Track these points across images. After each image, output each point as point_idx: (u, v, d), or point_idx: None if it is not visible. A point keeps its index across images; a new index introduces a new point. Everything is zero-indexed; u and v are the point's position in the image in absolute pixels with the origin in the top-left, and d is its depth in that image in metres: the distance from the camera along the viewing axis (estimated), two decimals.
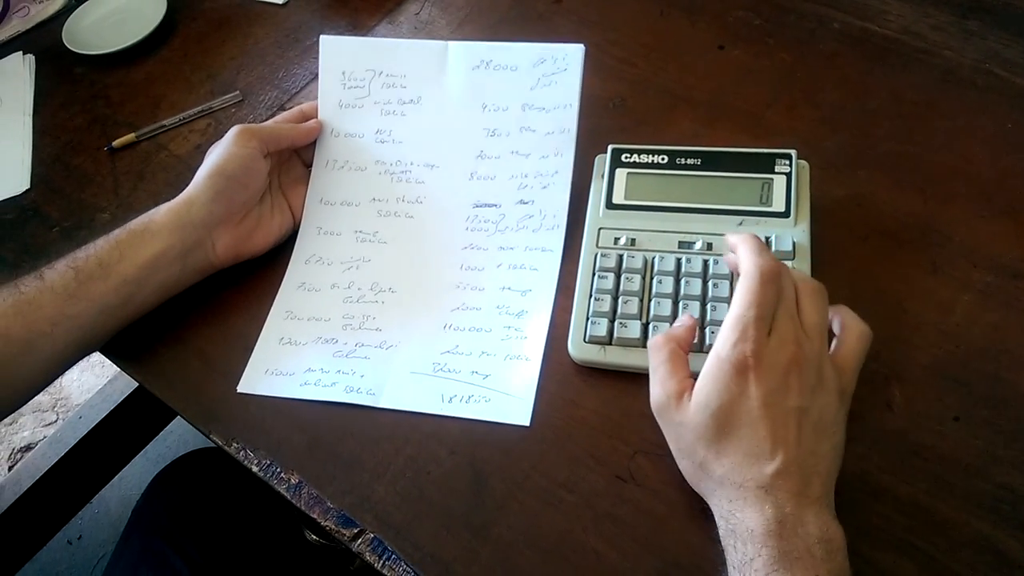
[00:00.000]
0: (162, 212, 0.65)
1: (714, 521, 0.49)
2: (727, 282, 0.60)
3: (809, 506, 0.45)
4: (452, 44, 0.72)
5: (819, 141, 0.71)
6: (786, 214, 0.63)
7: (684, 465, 0.51)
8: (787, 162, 0.64)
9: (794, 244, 0.61)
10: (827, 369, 0.48)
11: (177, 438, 1.65)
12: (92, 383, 1.79)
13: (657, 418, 0.52)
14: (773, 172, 0.64)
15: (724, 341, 0.48)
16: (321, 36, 0.74)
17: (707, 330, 0.58)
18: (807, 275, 0.52)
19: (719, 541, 0.47)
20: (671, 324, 0.59)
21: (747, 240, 0.52)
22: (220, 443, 0.61)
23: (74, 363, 0.64)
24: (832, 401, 0.48)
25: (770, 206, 0.63)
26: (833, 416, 0.48)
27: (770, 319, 0.48)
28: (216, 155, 0.67)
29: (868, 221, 0.65)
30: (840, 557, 0.44)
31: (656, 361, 0.52)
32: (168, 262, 0.64)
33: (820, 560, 0.43)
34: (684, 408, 0.49)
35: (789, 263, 0.60)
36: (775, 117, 0.74)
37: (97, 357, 0.68)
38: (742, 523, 0.45)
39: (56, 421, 1.79)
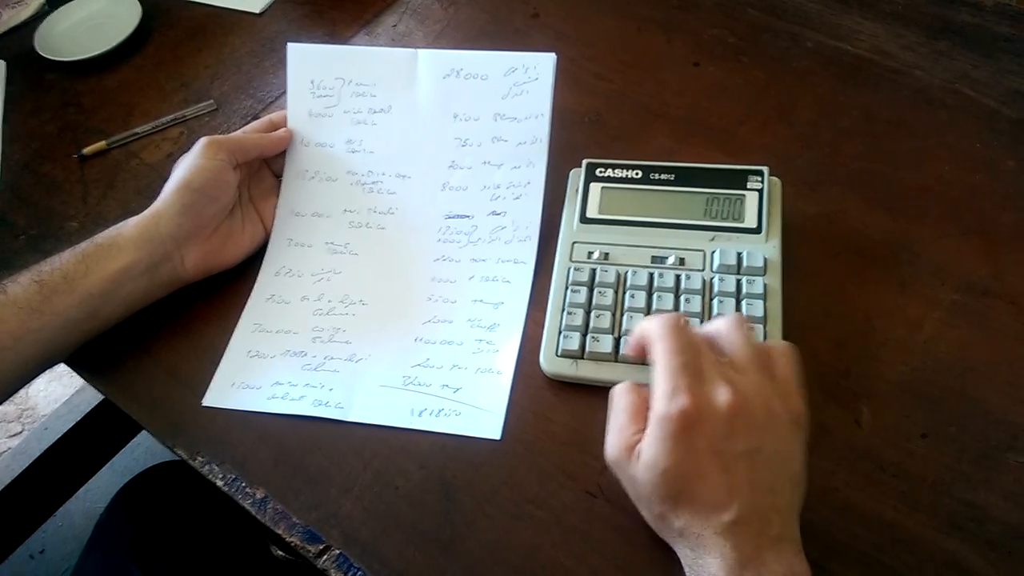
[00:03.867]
0: (130, 226, 0.64)
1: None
2: (699, 297, 0.60)
3: (770, 547, 0.44)
4: (422, 52, 0.72)
5: (791, 158, 0.71)
6: (758, 230, 0.63)
7: (645, 514, 0.50)
8: (759, 179, 0.64)
9: (765, 260, 0.61)
10: (772, 399, 0.47)
11: (144, 450, 1.62)
12: (60, 393, 1.76)
13: (611, 468, 0.50)
14: (746, 188, 0.64)
15: (660, 397, 0.46)
16: (288, 44, 0.73)
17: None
18: (718, 318, 0.51)
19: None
20: None
21: (640, 323, 0.51)
22: (184, 456, 0.60)
23: (37, 376, 0.63)
24: (785, 431, 0.47)
25: (742, 222, 0.63)
26: (788, 448, 0.47)
27: (696, 365, 0.47)
28: (184, 168, 0.66)
29: (839, 238, 0.66)
30: None
31: (616, 407, 0.50)
32: (135, 276, 0.63)
33: None
34: (635, 463, 0.47)
35: (760, 279, 0.60)
36: (748, 134, 0.74)
37: (65, 368, 0.67)
38: (704, 569, 0.45)
39: (21, 432, 1.76)
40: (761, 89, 0.78)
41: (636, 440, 0.47)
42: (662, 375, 0.47)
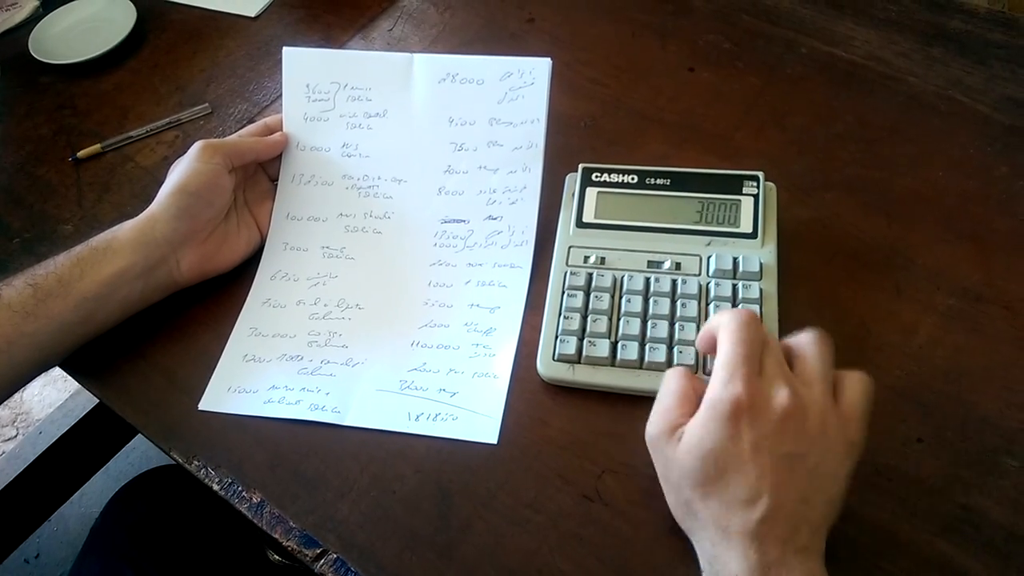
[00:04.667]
0: (125, 229, 0.64)
1: (680, 540, 0.48)
2: (695, 302, 0.60)
3: (795, 554, 0.43)
4: (418, 56, 0.72)
5: (786, 164, 0.71)
6: (753, 235, 0.63)
7: (671, 499, 0.49)
8: (755, 184, 0.65)
9: (761, 265, 0.61)
10: (830, 418, 0.46)
11: (140, 455, 1.62)
12: (54, 398, 1.76)
13: (649, 446, 0.49)
14: (741, 193, 0.65)
15: (716, 382, 0.46)
16: (284, 48, 0.73)
17: (675, 349, 0.59)
18: (803, 333, 0.50)
19: (684, 563, 0.47)
20: (639, 343, 0.59)
21: (714, 315, 0.52)
22: (180, 460, 0.60)
23: (31, 379, 0.63)
24: (835, 452, 0.46)
25: (738, 227, 0.64)
26: (834, 468, 0.46)
27: (758, 359, 0.46)
28: (179, 172, 0.66)
29: (834, 243, 0.66)
30: None
31: (665, 389, 0.50)
32: (130, 280, 0.63)
33: None
34: (675, 445, 0.47)
35: (756, 283, 0.60)
36: (743, 139, 0.74)
37: (60, 372, 0.66)
38: (725, 567, 0.44)
39: (16, 436, 1.75)
40: (756, 95, 0.78)
41: (680, 423, 0.47)
42: (723, 362, 0.46)
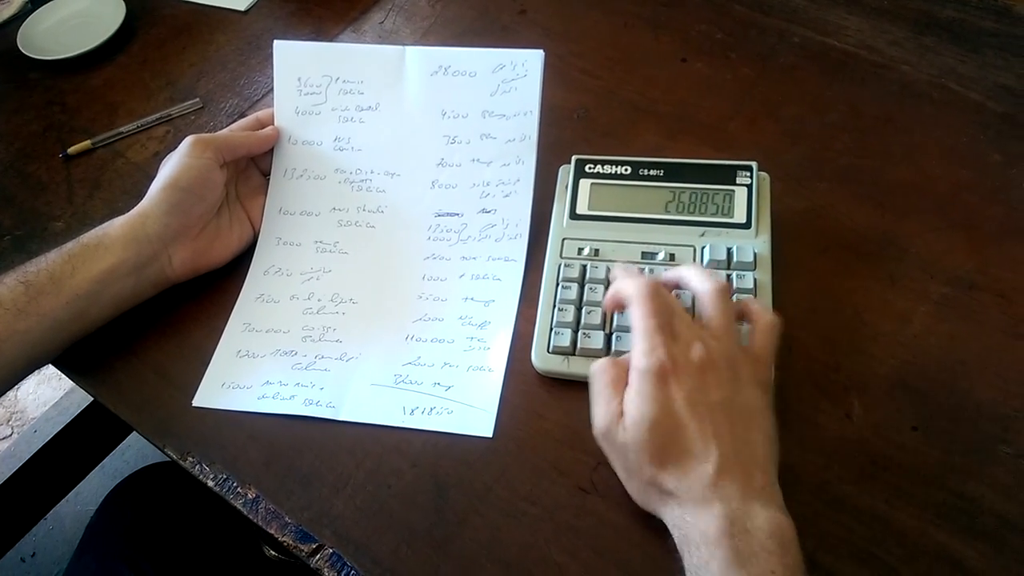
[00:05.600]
0: (116, 225, 0.63)
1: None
2: (689, 292, 0.60)
3: (755, 499, 0.46)
4: (409, 49, 0.71)
5: (779, 154, 0.71)
6: (747, 225, 0.63)
7: (633, 487, 0.51)
8: (748, 174, 0.64)
9: (755, 255, 0.61)
10: (741, 363, 0.50)
11: (135, 452, 1.62)
12: (49, 396, 1.75)
13: (601, 443, 0.52)
14: (735, 184, 0.64)
15: (638, 355, 0.49)
16: (275, 41, 0.73)
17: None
18: (701, 275, 0.54)
19: (679, 553, 0.47)
20: None
21: (619, 270, 0.56)
22: (175, 457, 0.60)
23: (24, 377, 0.62)
24: (752, 391, 0.50)
25: (731, 217, 0.63)
26: (756, 405, 0.50)
27: (670, 326, 0.50)
28: (170, 167, 0.66)
29: (827, 233, 0.66)
30: (793, 549, 0.45)
31: (598, 384, 0.52)
32: (121, 276, 0.62)
33: (774, 554, 0.44)
34: (621, 428, 0.49)
35: (750, 274, 0.60)
36: (736, 130, 0.74)
37: (54, 370, 0.66)
38: (694, 527, 0.46)
39: (11, 435, 1.75)
40: (748, 85, 0.78)
41: (620, 409, 0.50)
42: (640, 336, 0.50)
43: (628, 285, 0.52)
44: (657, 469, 0.48)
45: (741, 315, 0.55)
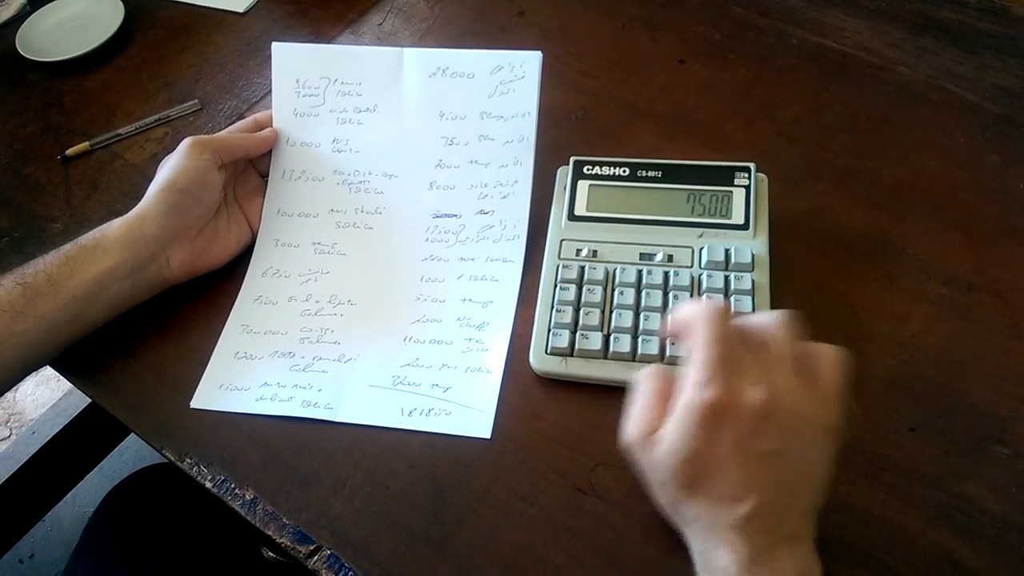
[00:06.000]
0: (114, 227, 0.63)
1: (673, 532, 0.48)
2: (687, 294, 0.60)
3: (783, 544, 0.43)
4: (407, 51, 0.71)
5: (777, 155, 0.71)
6: (745, 226, 0.63)
7: (658, 498, 0.49)
8: (746, 175, 0.65)
9: (753, 256, 0.61)
10: (806, 405, 0.45)
11: (134, 453, 1.61)
12: (47, 397, 1.75)
13: (627, 449, 0.48)
14: (733, 185, 0.65)
15: (692, 384, 0.45)
16: (273, 43, 0.73)
17: (667, 341, 0.59)
18: (768, 313, 0.49)
19: (677, 554, 0.47)
20: (632, 336, 0.59)
21: (682, 303, 0.52)
22: (172, 458, 0.60)
23: (21, 379, 0.62)
24: (813, 439, 0.45)
25: (729, 218, 0.63)
26: (815, 455, 0.45)
27: (734, 358, 0.45)
28: (168, 168, 0.66)
29: (825, 234, 0.66)
30: None
31: (642, 391, 0.48)
32: (119, 278, 0.62)
33: None
34: (654, 449, 0.46)
35: (748, 275, 0.60)
36: (734, 131, 0.74)
37: (53, 371, 0.66)
38: (716, 560, 0.44)
39: (9, 436, 1.75)
40: (746, 86, 0.78)
41: (656, 426, 0.46)
42: (699, 362, 0.45)
43: (694, 308, 0.47)
44: (683, 497, 0.45)
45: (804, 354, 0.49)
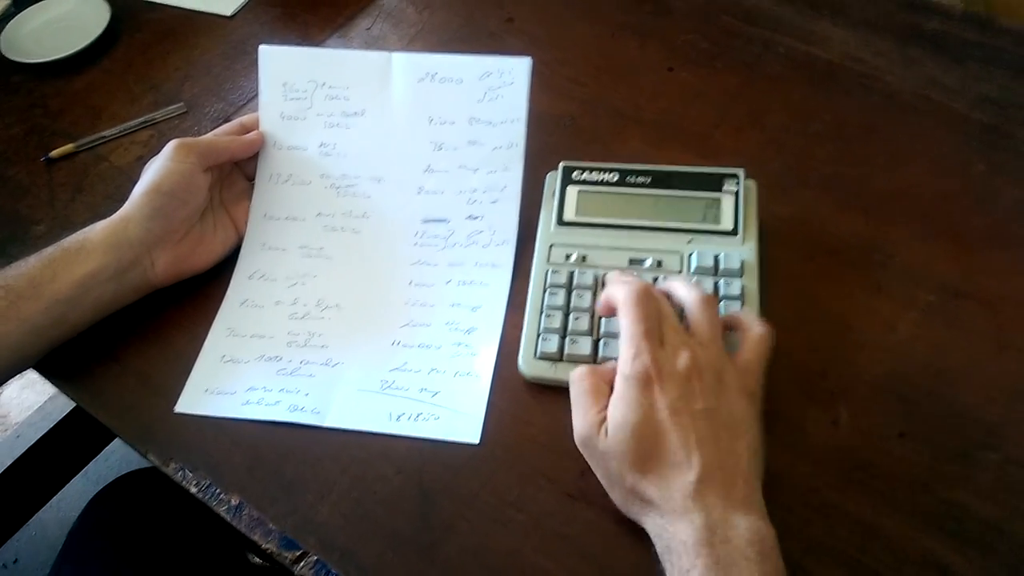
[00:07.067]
0: (97, 230, 0.63)
1: None
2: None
3: (737, 508, 0.46)
4: (396, 55, 0.71)
5: (765, 162, 0.71)
6: (734, 232, 0.63)
7: (616, 495, 0.51)
8: (735, 181, 0.65)
9: (742, 263, 0.61)
10: (727, 372, 0.50)
11: (119, 458, 1.60)
12: (32, 400, 1.73)
13: (583, 451, 0.52)
14: (721, 191, 0.65)
15: (623, 361, 0.49)
16: (261, 46, 0.73)
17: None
18: (688, 286, 0.54)
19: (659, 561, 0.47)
20: None
21: (611, 276, 0.57)
22: (157, 463, 0.59)
23: (3, 382, 0.62)
24: (738, 400, 0.49)
25: (718, 224, 0.64)
26: (742, 414, 0.49)
27: (657, 332, 0.50)
28: (153, 171, 0.65)
29: (813, 241, 0.66)
30: (774, 557, 0.45)
31: (576, 392, 0.52)
32: (103, 281, 0.62)
33: (754, 562, 0.44)
34: (604, 436, 0.49)
35: (737, 281, 0.60)
36: (722, 138, 0.75)
37: (38, 374, 0.65)
38: (675, 537, 0.46)
39: None
40: (734, 94, 0.78)
41: (602, 417, 0.50)
42: (626, 340, 0.50)
43: (619, 289, 0.52)
44: (638, 477, 0.48)
45: (732, 326, 0.55)
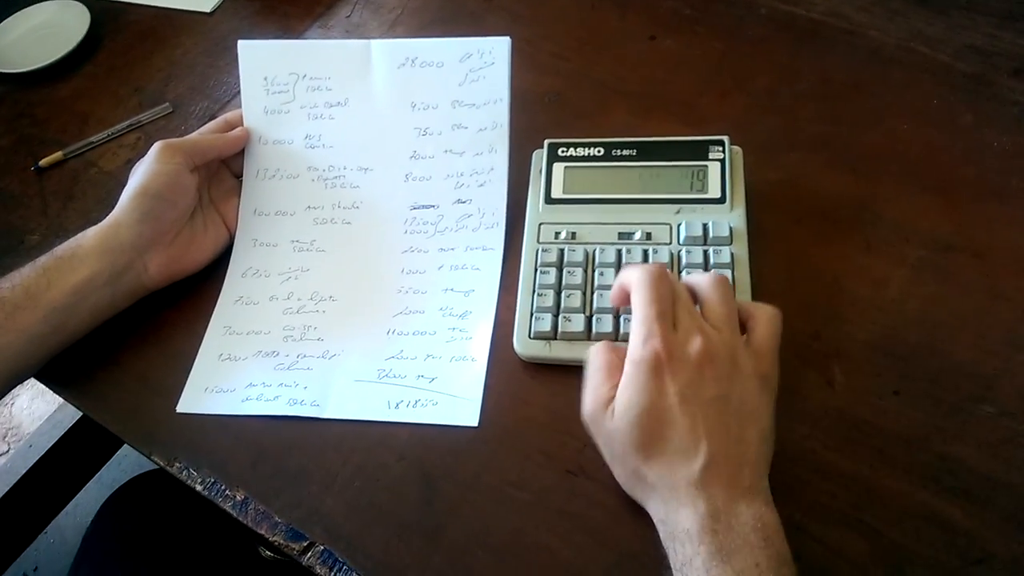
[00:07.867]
0: (89, 236, 0.63)
1: None
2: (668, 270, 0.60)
3: (741, 497, 0.45)
4: (375, 43, 0.71)
5: (751, 126, 0.71)
6: (722, 200, 0.63)
7: (618, 472, 0.51)
8: (720, 148, 0.64)
9: (731, 229, 0.61)
10: (741, 356, 0.48)
11: (132, 462, 1.61)
12: (44, 410, 1.75)
13: (590, 427, 0.51)
14: (707, 159, 0.64)
15: (634, 344, 0.48)
16: (239, 41, 0.72)
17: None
18: (703, 273, 0.53)
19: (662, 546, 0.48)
20: (614, 315, 0.59)
21: (625, 266, 0.55)
22: (162, 464, 0.60)
23: (6, 393, 0.62)
24: (752, 387, 0.48)
25: (706, 193, 0.63)
26: (755, 401, 0.48)
27: (671, 315, 0.48)
28: (140, 174, 0.65)
29: (802, 203, 0.66)
30: (778, 541, 0.44)
31: (592, 368, 0.51)
32: (98, 287, 0.62)
33: (758, 548, 0.43)
34: (611, 416, 0.49)
35: (727, 248, 0.60)
36: (708, 105, 0.74)
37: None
38: (678, 524, 0.45)
39: (8, 451, 1.75)
40: (718, 59, 0.78)
41: (611, 395, 0.49)
42: (638, 322, 0.48)
43: (632, 272, 0.51)
44: (642, 461, 0.48)
45: (741, 314, 0.53)
